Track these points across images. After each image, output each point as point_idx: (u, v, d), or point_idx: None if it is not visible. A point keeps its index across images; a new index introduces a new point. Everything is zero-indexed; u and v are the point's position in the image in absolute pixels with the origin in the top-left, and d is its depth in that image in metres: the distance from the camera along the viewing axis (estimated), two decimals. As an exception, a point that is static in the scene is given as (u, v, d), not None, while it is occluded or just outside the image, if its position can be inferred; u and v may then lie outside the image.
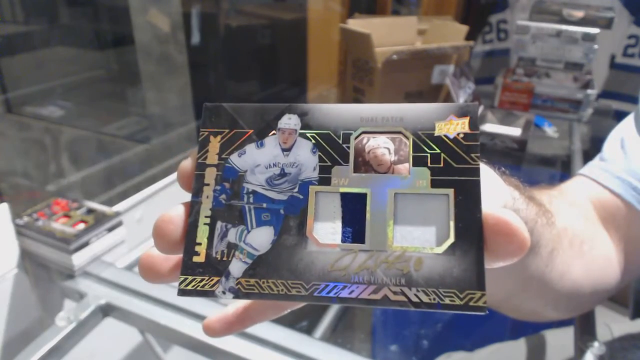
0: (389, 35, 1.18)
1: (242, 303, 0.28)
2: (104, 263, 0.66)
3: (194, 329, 0.55)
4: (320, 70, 1.53)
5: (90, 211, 0.69)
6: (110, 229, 0.68)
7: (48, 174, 1.12)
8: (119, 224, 0.69)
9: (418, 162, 0.20)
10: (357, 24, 1.20)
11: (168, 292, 0.59)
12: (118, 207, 0.76)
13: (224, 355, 0.53)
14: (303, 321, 0.97)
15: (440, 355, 0.68)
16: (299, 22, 1.51)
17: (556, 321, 0.66)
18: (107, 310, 0.60)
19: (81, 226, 0.66)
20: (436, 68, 1.20)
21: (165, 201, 0.83)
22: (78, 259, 0.63)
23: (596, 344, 0.49)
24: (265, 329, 0.54)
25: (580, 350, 0.49)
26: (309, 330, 0.91)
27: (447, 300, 0.18)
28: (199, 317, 0.56)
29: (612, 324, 0.58)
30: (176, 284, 0.21)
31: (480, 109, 1.15)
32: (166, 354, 0.64)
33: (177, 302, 0.58)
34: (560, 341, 0.60)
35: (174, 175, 0.88)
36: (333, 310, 0.94)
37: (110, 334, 0.64)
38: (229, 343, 0.53)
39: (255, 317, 0.28)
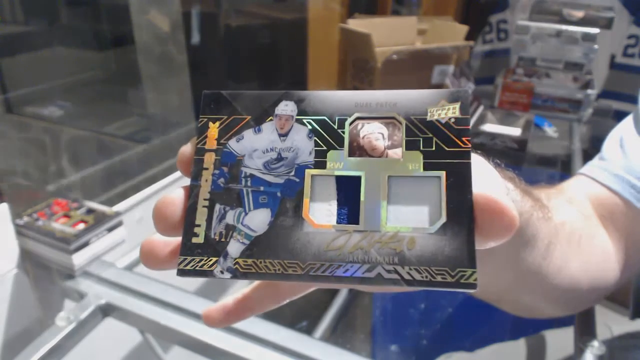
0: (389, 35, 1.18)
1: (242, 293, 0.28)
2: (104, 263, 0.66)
3: (194, 329, 0.55)
4: (320, 70, 1.53)
5: (90, 211, 0.69)
6: (110, 229, 0.68)
7: (48, 174, 1.12)
8: (119, 224, 0.70)
9: (411, 146, 0.21)
10: (357, 24, 1.21)
11: (168, 292, 0.59)
12: (118, 207, 0.76)
13: (224, 355, 0.53)
14: (303, 321, 0.97)
15: (440, 355, 0.68)
16: (299, 22, 1.51)
17: (556, 321, 0.66)
18: (107, 310, 0.60)
19: (81, 226, 0.66)
20: (436, 68, 1.20)
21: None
22: (78, 259, 0.63)
23: (596, 343, 0.49)
24: (265, 329, 0.54)
25: (580, 350, 0.49)
26: (309, 330, 0.91)
27: (439, 278, 0.18)
28: (199, 317, 0.56)
29: (612, 324, 0.59)
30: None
31: (480, 109, 1.15)
32: (166, 354, 0.64)
33: (177, 302, 0.58)
34: (560, 341, 0.60)
35: (174, 176, 0.88)
36: (333, 310, 0.94)
37: (110, 334, 0.64)
38: (229, 343, 0.53)
39: (255, 307, 0.28)
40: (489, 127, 1.07)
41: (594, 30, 1.16)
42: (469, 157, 0.20)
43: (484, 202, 0.19)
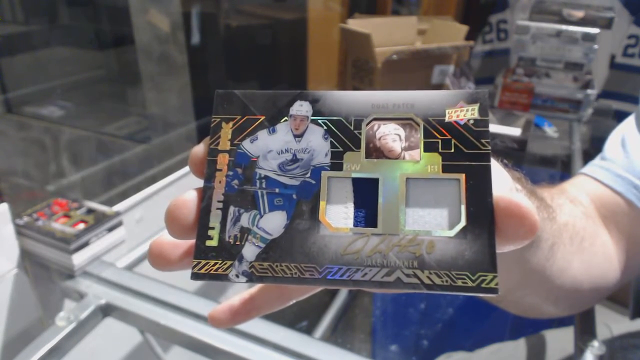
0: (389, 35, 1.18)
1: (248, 293, 0.28)
2: (104, 263, 0.66)
3: (194, 329, 0.55)
4: (320, 70, 1.53)
5: (90, 211, 0.69)
6: (110, 229, 0.68)
7: (48, 174, 1.12)
8: (119, 224, 0.69)
9: (429, 147, 0.20)
10: (357, 24, 1.21)
11: (168, 292, 0.59)
12: (118, 207, 0.76)
13: (224, 355, 0.53)
14: (303, 321, 0.97)
15: (440, 355, 0.68)
16: (299, 22, 1.51)
17: (556, 321, 0.66)
18: (107, 310, 0.60)
19: (81, 226, 0.66)
20: (436, 68, 1.20)
21: (165, 201, 0.83)
22: (78, 259, 0.63)
23: (596, 343, 0.49)
24: (265, 329, 0.54)
25: (580, 350, 0.49)
26: (309, 330, 0.91)
27: (459, 282, 0.18)
28: (199, 317, 0.56)
29: (612, 324, 0.58)
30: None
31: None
32: (166, 354, 0.64)
33: (177, 302, 0.58)
34: (560, 341, 0.60)
35: (174, 175, 0.88)
36: (333, 310, 0.94)
37: (110, 334, 0.64)
38: (229, 343, 0.53)
39: (262, 307, 0.27)
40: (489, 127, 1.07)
41: (594, 30, 1.16)
42: (488, 160, 0.20)
43: (504, 206, 0.19)
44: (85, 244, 0.64)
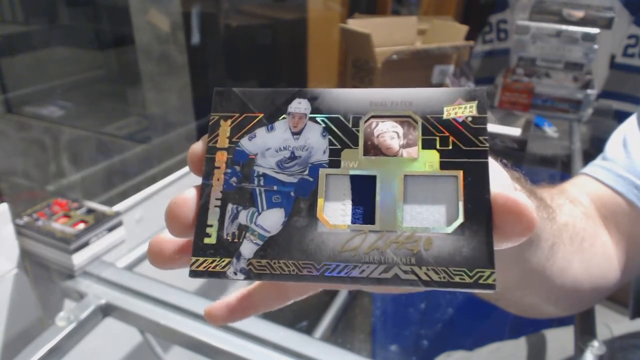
0: (389, 35, 1.18)
1: (246, 290, 0.28)
2: (104, 263, 0.66)
3: (194, 329, 0.55)
4: (320, 70, 1.53)
5: (90, 211, 0.69)
6: (110, 229, 0.68)
7: (48, 174, 1.12)
8: (119, 224, 0.69)
9: (427, 145, 0.20)
10: (357, 24, 1.21)
11: (168, 292, 0.59)
12: (118, 207, 0.76)
13: (224, 355, 0.53)
14: (303, 321, 0.97)
15: (440, 355, 0.68)
16: (299, 22, 1.51)
17: (556, 320, 0.66)
18: (107, 310, 0.60)
19: (81, 226, 0.66)
20: (436, 68, 1.20)
21: (165, 201, 0.82)
22: (78, 259, 0.63)
23: (596, 343, 0.49)
24: (265, 329, 0.54)
25: (580, 349, 0.49)
26: (309, 330, 0.91)
27: (457, 279, 0.18)
28: (199, 317, 0.56)
29: (612, 324, 0.58)
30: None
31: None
32: (166, 354, 0.64)
33: (177, 302, 0.58)
34: (560, 341, 0.60)
35: (174, 175, 0.88)
36: (333, 310, 0.94)
37: (110, 334, 0.64)
38: (229, 343, 0.53)
39: (259, 305, 0.27)
40: (489, 127, 1.07)
41: (594, 30, 1.16)
42: (486, 157, 0.20)
43: (502, 202, 0.19)
44: (85, 244, 0.64)
